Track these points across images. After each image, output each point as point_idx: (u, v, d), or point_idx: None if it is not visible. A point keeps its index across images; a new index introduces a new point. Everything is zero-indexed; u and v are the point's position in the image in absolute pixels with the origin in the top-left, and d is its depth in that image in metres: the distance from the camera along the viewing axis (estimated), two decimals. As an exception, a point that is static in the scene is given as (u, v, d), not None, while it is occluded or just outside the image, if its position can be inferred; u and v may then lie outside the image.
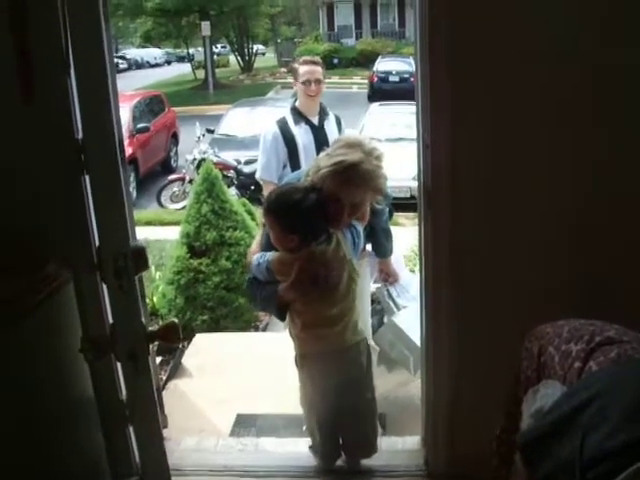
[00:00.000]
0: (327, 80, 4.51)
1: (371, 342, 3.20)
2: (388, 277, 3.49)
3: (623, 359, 1.42)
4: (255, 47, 32.77)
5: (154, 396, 1.71)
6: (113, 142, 1.64)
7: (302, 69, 4.24)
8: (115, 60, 33.70)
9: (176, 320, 1.79)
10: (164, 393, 3.71)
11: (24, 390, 2.17)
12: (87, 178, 2.14)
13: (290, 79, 4.73)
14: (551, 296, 2.39)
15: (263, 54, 35.30)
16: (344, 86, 24.46)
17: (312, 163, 2.88)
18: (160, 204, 10.72)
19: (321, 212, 2.63)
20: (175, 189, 10.77)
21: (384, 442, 2.97)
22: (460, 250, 2.53)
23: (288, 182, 3.05)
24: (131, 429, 2.61)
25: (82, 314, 2.19)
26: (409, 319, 3.24)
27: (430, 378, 2.75)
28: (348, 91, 23.42)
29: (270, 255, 2.71)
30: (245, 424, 3.55)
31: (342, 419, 2.89)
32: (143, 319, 1.57)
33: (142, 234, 7.21)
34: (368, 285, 3.50)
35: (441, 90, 2.36)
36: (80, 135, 2.23)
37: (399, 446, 3.00)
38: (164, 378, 4.12)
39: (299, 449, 3.00)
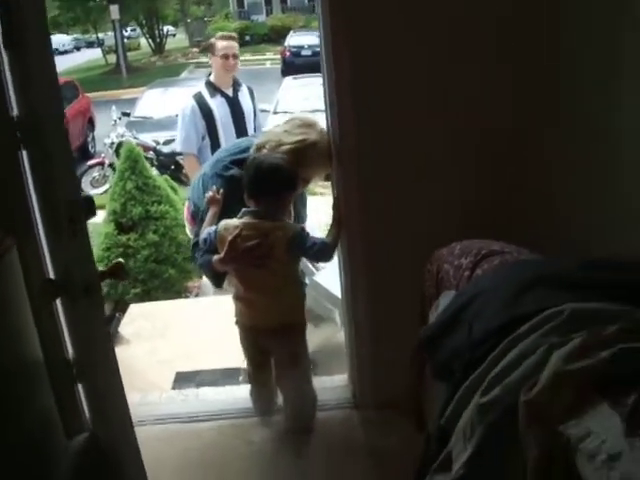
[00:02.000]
0: (240, 58, 4.72)
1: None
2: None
3: (505, 265, 1.71)
4: (165, 28, 32.30)
5: (109, 334, 1.91)
6: (62, 115, 1.84)
7: (220, 44, 4.45)
8: (22, 48, 32.56)
9: (122, 260, 2.00)
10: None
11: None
12: (24, 153, 2.30)
13: (203, 59, 4.92)
14: (451, 229, 2.63)
15: (174, 35, 34.79)
16: (257, 63, 24.44)
17: (267, 137, 2.97)
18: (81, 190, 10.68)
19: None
20: (95, 174, 10.74)
21: (314, 381, 3.23)
22: (367, 199, 2.77)
23: (232, 151, 3.12)
24: (80, 387, 2.78)
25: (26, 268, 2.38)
26: (329, 276, 3.46)
27: (352, 320, 3.02)
28: (262, 67, 23.40)
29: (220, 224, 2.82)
30: (185, 380, 3.74)
31: (280, 387, 3.09)
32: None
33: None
34: None
35: (343, 57, 2.59)
36: (15, 112, 2.38)
37: (328, 384, 3.27)
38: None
39: (237, 395, 3.23)
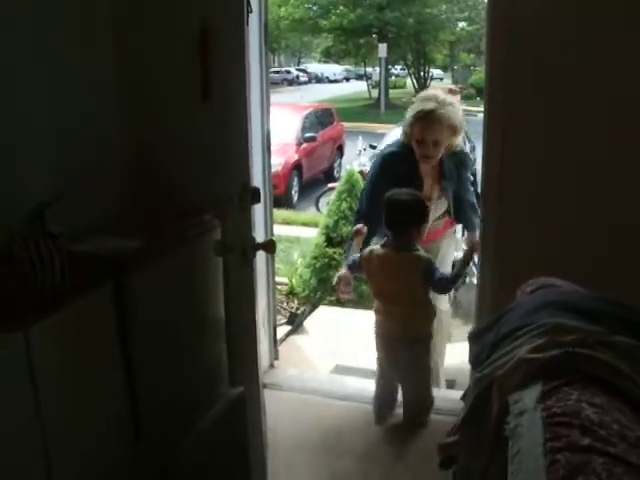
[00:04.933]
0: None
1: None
2: (474, 247, 3.95)
3: (543, 293, 2.15)
4: (433, 71, 33.36)
5: (253, 283, 2.57)
6: (247, 131, 2.57)
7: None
8: (296, 73, 35.11)
9: (274, 238, 2.67)
10: (283, 344, 4.60)
11: (185, 299, 3.12)
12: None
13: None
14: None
15: (441, 79, 35.74)
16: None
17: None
18: (318, 209, 11.57)
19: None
20: (333, 197, 11.60)
21: (442, 393, 3.71)
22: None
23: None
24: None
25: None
26: None
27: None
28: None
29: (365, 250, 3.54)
30: (341, 371, 4.36)
31: (402, 387, 3.62)
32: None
33: (297, 232, 8.28)
34: (451, 255, 4.14)
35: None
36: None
37: (452, 396, 3.70)
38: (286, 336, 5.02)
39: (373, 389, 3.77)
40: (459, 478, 1.95)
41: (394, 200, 3.36)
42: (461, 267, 3.42)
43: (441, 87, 5.24)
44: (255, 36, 3.48)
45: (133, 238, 2.89)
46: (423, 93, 3.99)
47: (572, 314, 1.85)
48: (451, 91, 4.99)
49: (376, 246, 3.47)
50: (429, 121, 3.56)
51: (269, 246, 2.58)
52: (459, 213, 3.89)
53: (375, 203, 3.57)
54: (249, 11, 3.19)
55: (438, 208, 3.85)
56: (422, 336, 3.48)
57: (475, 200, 3.87)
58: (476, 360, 2.05)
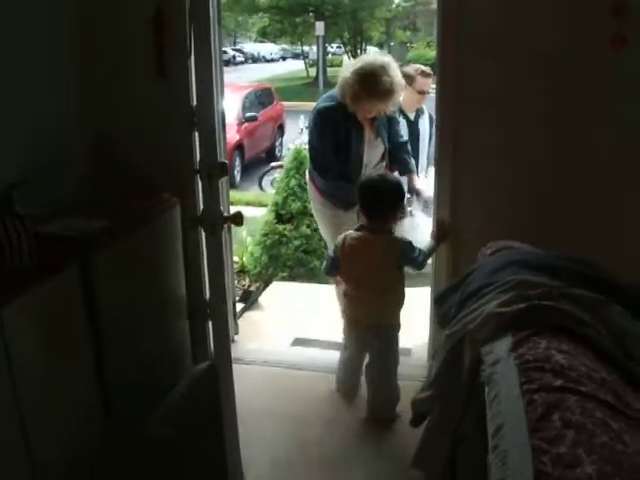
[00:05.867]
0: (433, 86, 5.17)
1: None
2: (416, 192, 4.15)
3: (503, 254, 2.27)
4: (369, 49, 33.40)
5: (222, 257, 2.62)
6: (213, 107, 2.60)
7: (421, 80, 4.85)
8: (233, 53, 34.46)
9: (241, 211, 2.71)
10: (240, 320, 4.63)
11: (148, 278, 3.17)
12: (196, 134, 3.10)
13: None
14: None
15: (378, 56, 35.60)
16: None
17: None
18: (261, 188, 11.59)
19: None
20: (276, 175, 11.42)
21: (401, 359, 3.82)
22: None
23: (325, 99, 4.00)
24: (210, 324, 3.46)
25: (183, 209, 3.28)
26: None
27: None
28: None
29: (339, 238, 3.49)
30: (300, 344, 4.40)
31: (367, 377, 3.57)
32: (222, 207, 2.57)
33: (243, 212, 8.24)
34: None
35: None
36: (194, 103, 3.22)
37: (408, 362, 3.83)
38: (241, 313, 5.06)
39: (333, 358, 3.84)
40: (433, 431, 2.05)
41: (370, 185, 3.34)
42: (434, 247, 3.45)
43: (414, 67, 5.05)
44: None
45: (97, 219, 2.95)
46: (371, 60, 3.95)
47: (534, 271, 1.97)
48: (423, 73, 4.91)
49: (350, 231, 3.42)
50: (384, 101, 3.74)
51: (237, 218, 2.63)
52: (392, 155, 4.05)
53: (326, 153, 3.84)
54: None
55: (377, 149, 4.01)
56: (392, 324, 3.44)
57: (404, 140, 4.17)
58: (444, 319, 2.16)
